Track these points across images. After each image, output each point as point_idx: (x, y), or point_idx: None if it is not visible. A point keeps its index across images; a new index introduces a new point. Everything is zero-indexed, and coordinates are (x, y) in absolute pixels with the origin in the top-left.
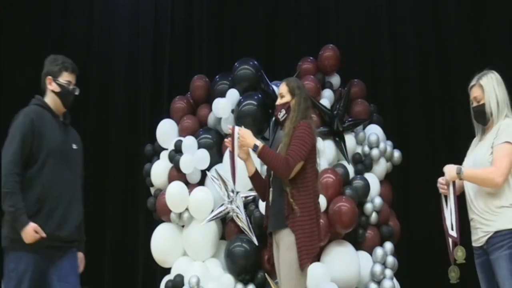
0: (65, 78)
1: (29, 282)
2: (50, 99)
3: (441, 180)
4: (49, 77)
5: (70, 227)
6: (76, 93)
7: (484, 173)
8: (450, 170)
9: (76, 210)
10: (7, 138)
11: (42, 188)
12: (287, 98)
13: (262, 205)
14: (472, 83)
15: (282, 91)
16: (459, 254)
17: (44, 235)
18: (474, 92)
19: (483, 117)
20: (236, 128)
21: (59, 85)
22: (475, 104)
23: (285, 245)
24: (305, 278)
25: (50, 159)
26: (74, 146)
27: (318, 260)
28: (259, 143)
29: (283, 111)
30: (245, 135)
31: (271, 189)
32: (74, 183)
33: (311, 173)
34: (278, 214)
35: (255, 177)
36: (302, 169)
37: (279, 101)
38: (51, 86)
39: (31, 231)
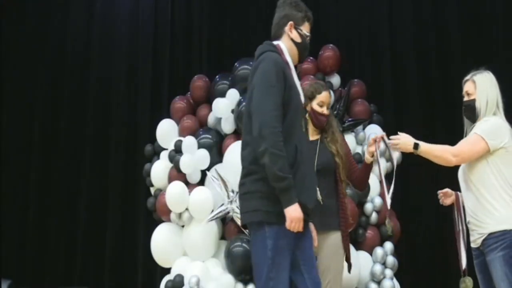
0: (306, 29)
1: (288, 258)
2: (287, 47)
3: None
4: (292, 22)
5: (314, 198)
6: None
7: (440, 150)
8: (406, 141)
9: (314, 175)
10: (257, 86)
11: (295, 150)
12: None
13: None
14: (467, 78)
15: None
16: (462, 285)
17: (302, 222)
18: (467, 87)
19: (472, 113)
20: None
21: (301, 35)
22: (466, 98)
23: (333, 247)
24: None
25: (297, 116)
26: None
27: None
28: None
29: None
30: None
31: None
32: (306, 143)
33: None
34: (330, 214)
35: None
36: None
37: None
38: (292, 33)
39: (299, 212)
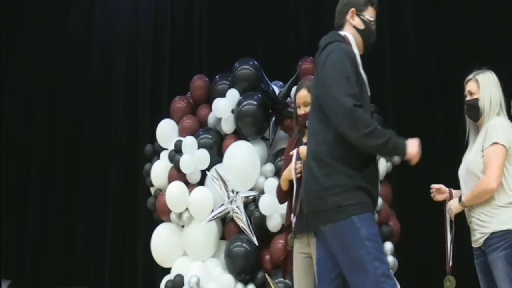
0: (370, 14)
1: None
2: (351, 36)
3: (433, 186)
4: (353, 9)
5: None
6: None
7: (477, 188)
8: (454, 204)
9: None
10: (331, 76)
11: None
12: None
13: (262, 205)
14: (469, 77)
15: (308, 99)
16: (447, 284)
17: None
18: (469, 86)
19: (475, 112)
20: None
21: (364, 21)
22: (468, 97)
23: None
24: None
25: (368, 111)
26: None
27: None
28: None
29: None
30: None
31: None
32: None
33: None
34: None
35: None
36: None
37: (306, 111)
38: (354, 20)
39: (414, 144)
